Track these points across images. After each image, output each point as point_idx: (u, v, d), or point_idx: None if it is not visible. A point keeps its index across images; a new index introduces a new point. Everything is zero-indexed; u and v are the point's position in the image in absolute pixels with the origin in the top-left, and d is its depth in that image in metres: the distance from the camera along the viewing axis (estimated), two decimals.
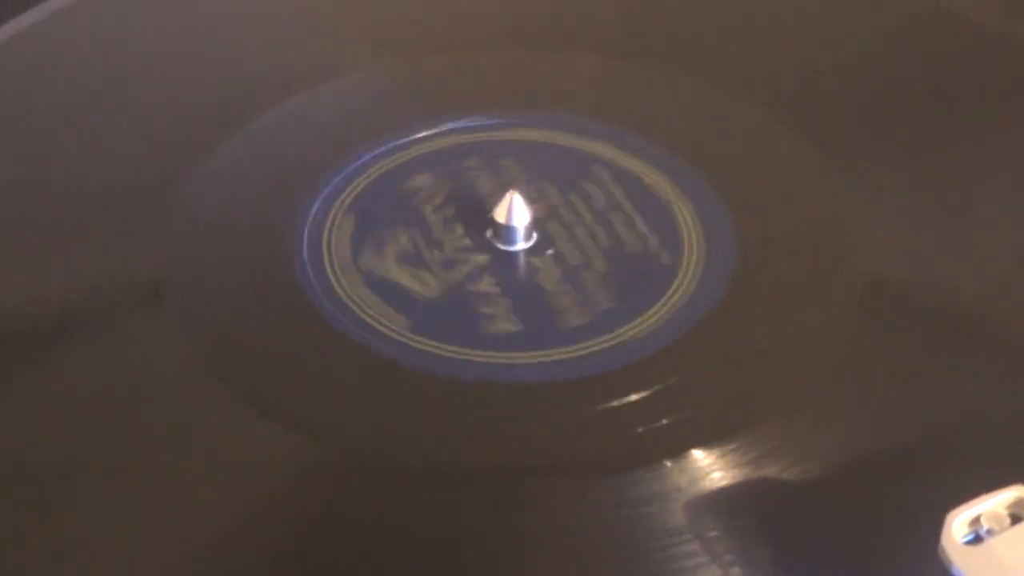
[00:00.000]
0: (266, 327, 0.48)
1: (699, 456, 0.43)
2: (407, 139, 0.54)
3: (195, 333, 0.47)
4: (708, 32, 0.59)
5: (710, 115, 0.55)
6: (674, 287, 0.49)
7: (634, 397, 0.45)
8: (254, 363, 0.47)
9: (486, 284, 0.49)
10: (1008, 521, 0.38)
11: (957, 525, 0.37)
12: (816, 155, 0.53)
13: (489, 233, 0.50)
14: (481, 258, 0.50)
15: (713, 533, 0.41)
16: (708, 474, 0.43)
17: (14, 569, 0.41)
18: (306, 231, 0.50)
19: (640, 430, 0.44)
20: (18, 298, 0.49)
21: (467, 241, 0.50)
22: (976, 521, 0.38)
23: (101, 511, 0.43)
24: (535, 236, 0.50)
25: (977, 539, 0.37)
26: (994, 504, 0.38)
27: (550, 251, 0.50)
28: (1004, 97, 0.56)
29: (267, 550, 0.42)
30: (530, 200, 0.50)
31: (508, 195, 0.50)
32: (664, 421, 0.44)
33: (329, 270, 0.49)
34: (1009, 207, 0.52)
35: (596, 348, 0.47)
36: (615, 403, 0.45)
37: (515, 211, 0.49)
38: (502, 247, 0.50)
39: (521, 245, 0.50)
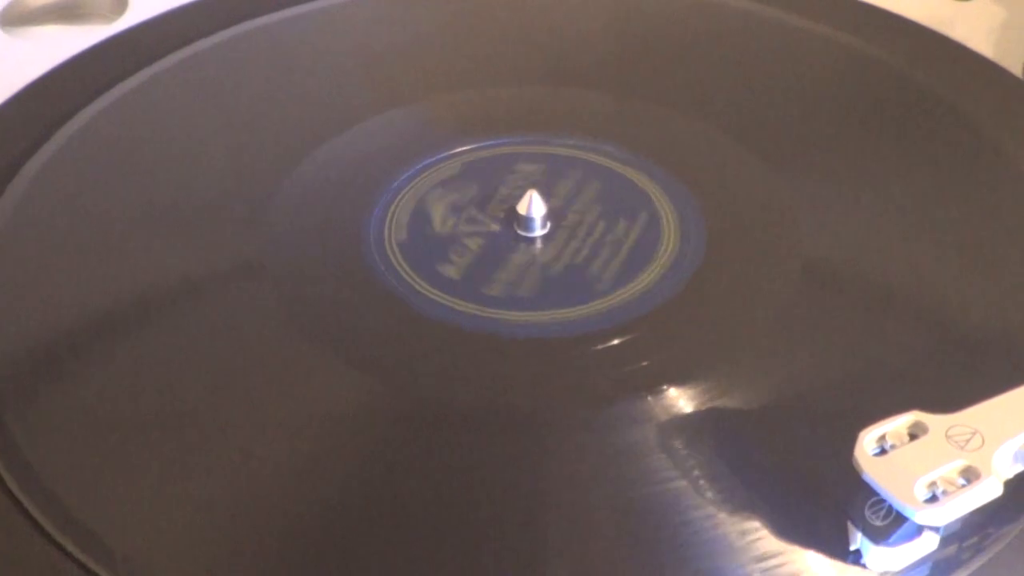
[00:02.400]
0: (341, 296, 0.48)
1: (673, 392, 0.43)
2: (449, 153, 0.54)
3: (287, 301, 0.47)
4: (687, 75, 0.59)
5: (687, 137, 0.55)
6: (656, 264, 0.48)
7: (623, 346, 0.45)
8: (334, 324, 0.47)
9: (509, 260, 0.49)
10: (907, 438, 0.38)
11: (867, 441, 0.37)
12: (767, 166, 0.53)
13: (513, 223, 0.50)
14: (506, 240, 0.50)
15: (683, 451, 0.42)
16: (679, 407, 0.43)
17: (151, 491, 0.41)
18: (372, 221, 0.50)
19: (627, 369, 0.45)
20: (155, 272, 0.49)
21: (495, 228, 0.50)
22: (883, 438, 0.38)
23: (221, 443, 0.43)
24: (549, 225, 0.50)
25: (883, 452, 0.37)
26: (896, 425, 0.38)
27: (561, 237, 0.50)
28: (907, 121, 0.56)
29: (348, 462, 0.42)
30: (545, 197, 0.50)
31: (528, 193, 0.50)
32: (644, 363, 0.45)
33: (389, 251, 0.49)
34: (911, 202, 0.52)
35: (595, 309, 0.47)
36: (609, 351, 0.45)
37: (533, 205, 0.49)
38: (522, 233, 0.50)
39: (538, 232, 0.50)
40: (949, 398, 0.39)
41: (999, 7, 0.68)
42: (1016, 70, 0.62)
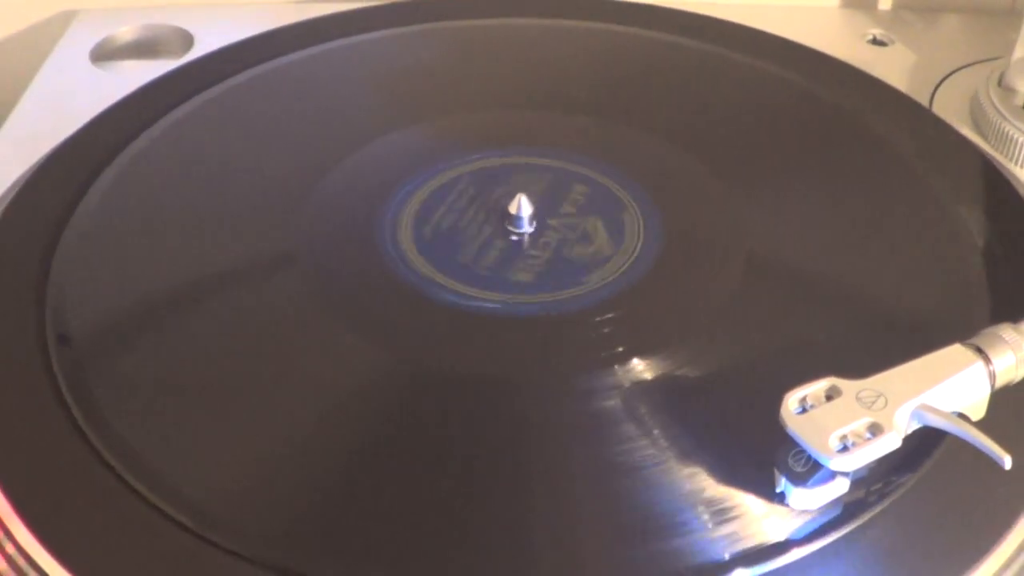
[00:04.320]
0: (360, 282, 0.47)
1: (637, 364, 0.43)
2: (451, 164, 0.53)
3: (316, 287, 0.47)
4: (655, 102, 0.59)
5: (653, 152, 0.55)
6: (625, 257, 0.48)
7: (596, 325, 0.45)
8: (354, 305, 0.46)
9: (501, 252, 0.49)
10: (824, 400, 0.38)
11: (791, 401, 0.37)
12: (717, 177, 0.53)
13: (504, 221, 0.50)
14: (498, 236, 0.49)
15: (644, 414, 0.42)
16: (642, 376, 0.43)
17: (207, 443, 0.41)
18: (386, 220, 0.50)
19: (598, 345, 0.45)
20: (208, 261, 0.49)
21: (489, 225, 0.50)
22: (804, 400, 0.38)
23: (262, 402, 0.43)
24: (535, 224, 0.50)
25: (804, 411, 0.37)
26: (816, 388, 0.38)
27: (545, 233, 0.50)
28: (833, 141, 0.56)
29: (364, 419, 0.42)
30: (532, 200, 0.50)
31: (518, 196, 0.49)
32: (613, 340, 0.45)
33: (404, 244, 0.49)
34: (835, 206, 0.52)
35: (572, 294, 0.47)
36: (584, 329, 0.45)
37: (522, 206, 0.49)
38: (512, 229, 0.49)
39: (526, 229, 0.49)
40: (863, 368, 0.39)
41: (910, 52, 0.68)
42: (924, 102, 0.62)
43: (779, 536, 0.38)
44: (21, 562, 0.38)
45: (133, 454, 0.40)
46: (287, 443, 0.41)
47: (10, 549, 0.38)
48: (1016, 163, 0.58)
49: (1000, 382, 0.40)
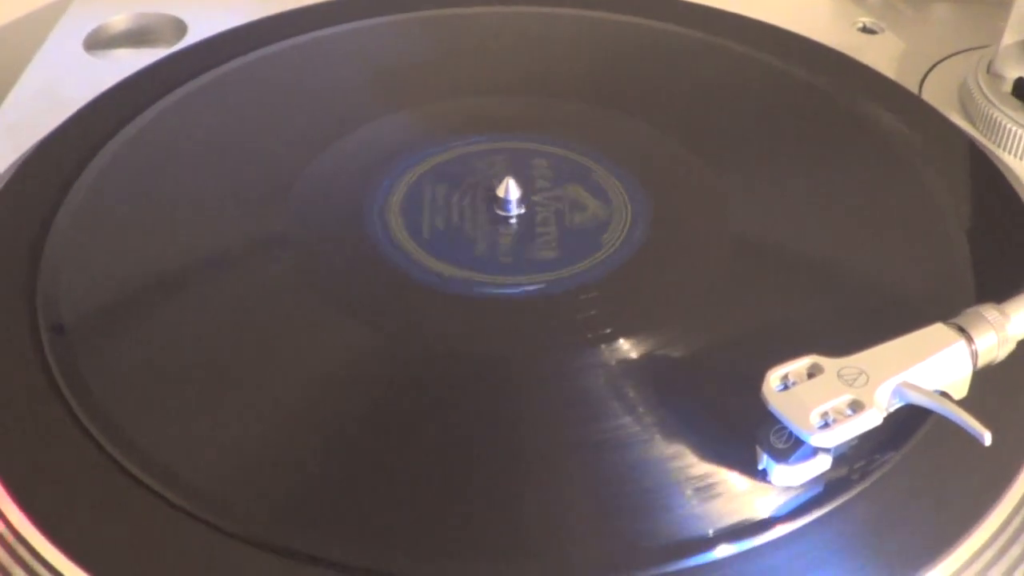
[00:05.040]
0: (348, 261, 0.48)
1: (623, 343, 0.44)
2: (443, 147, 0.53)
3: (305, 265, 0.48)
4: (643, 89, 0.59)
5: (641, 138, 0.55)
6: (613, 240, 0.49)
7: (584, 305, 0.46)
8: (342, 283, 0.47)
9: (490, 234, 0.49)
10: (806, 377, 0.38)
11: (773, 379, 0.38)
12: (703, 163, 0.53)
13: (493, 204, 0.50)
14: (487, 219, 0.50)
15: (630, 391, 0.42)
16: (628, 354, 0.43)
17: (197, 421, 0.42)
18: (375, 202, 0.50)
19: (586, 324, 0.45)
20: (201, 241, 0.49)
21: (478, 207, 0.50)
22: (786, 377, 0.38)
23: (252, 379, 0.43)
24: (523, 206, 0.50)
25: (786, 388, 0.38)
26: (798, 366, 0.38)
27: (533, 216, 0.50)
28: (819, 127, 0.57)
29: (353, 395, 0.43)
30: (521, 183, 0.50)
31: (506, 179, 0.50)
32: (600, 320, 0.45)
33: (392, 226, 0.49)
34: (819, 190, 0.52)
35: (560, 275, 0.47)
36: (572, 309, 0.45)
37: (510, 189, 0.49)
38: (501, 212, 0.50)
39: (514, 212, 0.50)
40: (849, 348, 0.39)
41: (900, 40, 0.68)
42: (914, 88, 0.63)
43: (762, 513, 0.38)
44: (10, 539, 0.38)
45: (124, 433, 0.40)
46: (278, 421, 0.42)
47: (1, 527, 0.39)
48: (1003, 148, 0.58)
49: (982, 361, 0.40)
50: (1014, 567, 0.38)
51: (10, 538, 0.38)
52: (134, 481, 0.39)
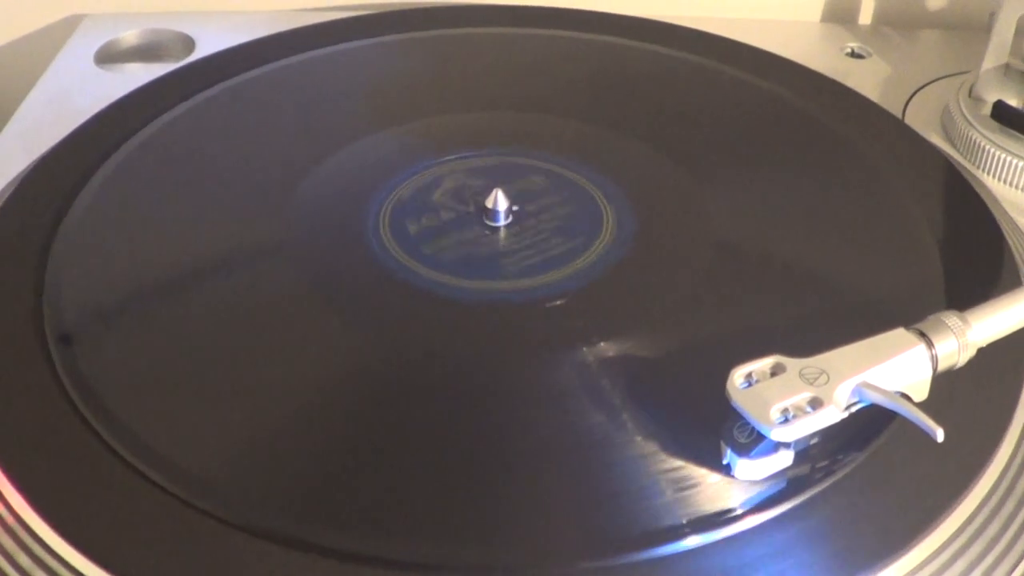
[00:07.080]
0: (344, 268, 0.49)
1: (603, 344, 0.45)
2: (437, 161, 0.55)
3: (304, 270, 0.49)
4: (628, 104, 0.61)
5: (625, 150, 0.56)
6: (597, 247, 0.50)
7: (568, 308, 0.47)
8: (336, 288, 0.48)
9: (479, 243, 0.50)
10: (769, 375, 0.39)
11: (737, 376, 0.39)
12: (686, 174, 0.55)
13: (482, 214, 0.51)
14: (476, 228, 0.51)
15: (609, 389, 0.43)
16: (608, 355, 0.45)
17: (197, 416, 0.43)
18: (370, 212, 0.52)
19: (571, 326, 0.46)
20: (204, 246, 0.51)
21: (468, 218, 0.51)
22: (750, 375, 0.39)
23: (250, 376, 0.44)
24: (511, 216, 0.51)
25: (750, 385, 0.39)
26: (761, 365, 0.39)
27: (521, 225, 0.51)
28: (801, 143, 0.58)
29: (348, 391, 0.44)
30: (508, 194, 0.51)
31: (495, 191, 0.51)
32: (582, 322, 0.46)
33: (383, 235, 0.50)
34: (796, 201, 0.54)
35: (545, 281, 0.48)
36: (557, 312, 0.47)
37: (499, 200, 0.51)
38: (489, 223, 0.51)
39: (502, 222, 0.51)
40: (819, 350, 0.40)
41: (887, 64, 0.70)
42: (897, 112, 0.64)
43: (728, 506, 0.39)
44: (10, 521, 0.40)
45: (130, 431, 0.41)
46: (275, 415, 0.43)
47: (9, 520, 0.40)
48: (982, 168, 0.60)
49: (943, 366, 0.41)
50: (976, 562, 0.39)
51: (12, 522, 0.39)
52: (135, 472, 0.40)
